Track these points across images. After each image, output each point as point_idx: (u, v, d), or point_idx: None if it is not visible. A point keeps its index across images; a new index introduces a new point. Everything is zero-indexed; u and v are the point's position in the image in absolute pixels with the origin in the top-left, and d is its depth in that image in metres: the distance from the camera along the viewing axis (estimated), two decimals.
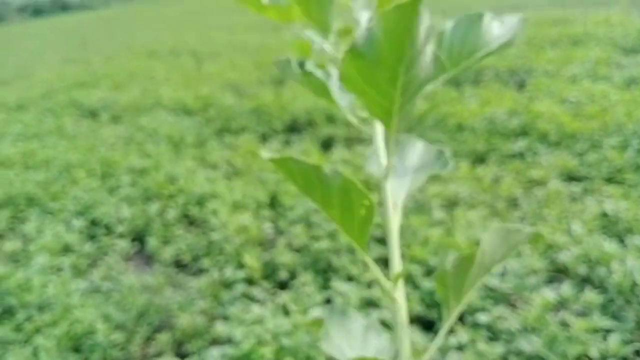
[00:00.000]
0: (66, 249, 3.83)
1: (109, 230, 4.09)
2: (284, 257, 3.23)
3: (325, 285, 3.07)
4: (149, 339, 2.98)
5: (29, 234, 4.01)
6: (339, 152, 4.81)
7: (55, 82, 10.05)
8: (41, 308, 3.17)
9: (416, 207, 3.68)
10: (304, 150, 5.01)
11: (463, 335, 2.47)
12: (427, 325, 2.76)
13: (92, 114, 7.45)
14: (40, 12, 35.80)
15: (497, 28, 0.50)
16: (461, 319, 2.69)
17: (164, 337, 2.84)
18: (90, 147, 5.64)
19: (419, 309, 2.73)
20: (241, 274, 3.20)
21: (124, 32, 18.87)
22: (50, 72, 11.69)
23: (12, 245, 3.87)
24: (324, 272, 3.20)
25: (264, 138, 5.85)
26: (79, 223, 4.09)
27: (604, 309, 2.62)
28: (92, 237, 4.02)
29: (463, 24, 0.47)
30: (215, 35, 14.79)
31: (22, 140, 6.44)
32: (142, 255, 3.87)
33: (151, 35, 16.93)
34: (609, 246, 2.91)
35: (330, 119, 5.79)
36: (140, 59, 12.20)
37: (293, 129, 6.03)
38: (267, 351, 2.49)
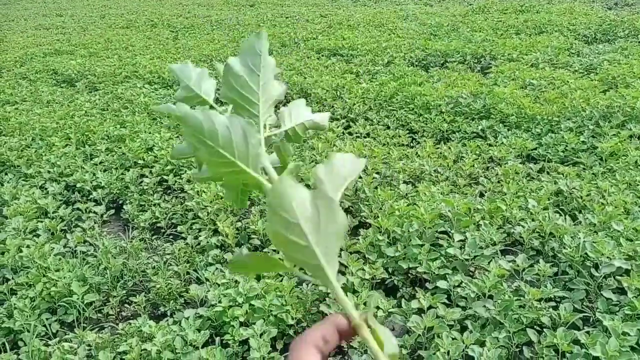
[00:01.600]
0: (41, 213, 3.88)
1: (84, 196, 4.15)
2: (257, 225, 3.37)
3: None
4: (124, 301, 3.09)
5: (3, 197, 4.04)
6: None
7: (29, 48, 9.87)
8: (16, 270, 3.24)
9: (384, 181, 3.85)
10: None
11: (423, 300, 2.64)
12: (390, 289, 2.95)
13: (68, 82, 7.39)
14: None
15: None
16: (422, 284, 2.88)
17: (139, 300, 2.95)
18: (66, 114, 5.64)
19: (383, 275, 2.90)
20: (215, 240, 3.33)
21: (100, 2, 18.47)
22: (24, 38, 11.44)
23: None
24: None
25: None
26: (54, 188, 4.14)
27: (556, 279, 2.84)
28: (67, 203, 4.08)
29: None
30: (193, 9, 14.64)
31: None
32: (118, 220, 3.95)
33: (129, 6, 16.63)
34: (562, 221, 3.12)
35: (304, 96, 5.90)
36: (116, 29, 12.03)
37: None
38: (239, 312, 2.63)
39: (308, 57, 7.60)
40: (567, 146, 4.17)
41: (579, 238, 2.90)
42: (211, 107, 0.65)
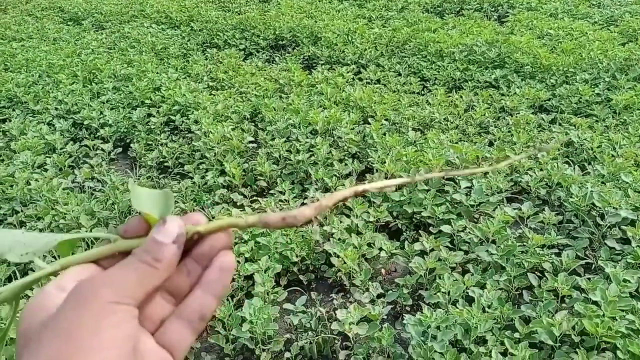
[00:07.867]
0: (49, 149, 3.90)
1: (92, 133, 4.16)
2: (264, 167, 3.37)
3: (302, 195, 3.23)
4: None
5: (11, 132, 4.06)
6: (320, 72, 4.87)
7: None
8: (25, 203, 3.28)
9: (393, 127, 3.82)
10: (287, 68, 5.06)
11: (426, 243, 2.65)
12: (394, 232, 2.96)
13: (74, 20, 7.31)
14: None
15: None
16: (425, 228, 2.89)
17: None
18: (73, 52, 5.59)
19: (387, 218, 2.91)
20: (222, 180, 3.34)
21: None
22: None
23: None
24: (302, 183, 3.36)
25: (248, 53, 5.86)
26: (62, 125, 4.14)
27: (561, 228, 2.84)
28: (75, 139, 4.09)
29: None
30: None
31: (0, 42, 6.33)
32: (125, 159, 3.96)
33: None
34: (571, 171, 3.10)
35: (315, 40, 5.80)
36: None
37: (277, 46, 6.03)
38: (245, 249, 2.66)
39: (319, 0, 7.43)
40: (581, 98, 4.10)
41: (587, 188, 2.88)
42: None
